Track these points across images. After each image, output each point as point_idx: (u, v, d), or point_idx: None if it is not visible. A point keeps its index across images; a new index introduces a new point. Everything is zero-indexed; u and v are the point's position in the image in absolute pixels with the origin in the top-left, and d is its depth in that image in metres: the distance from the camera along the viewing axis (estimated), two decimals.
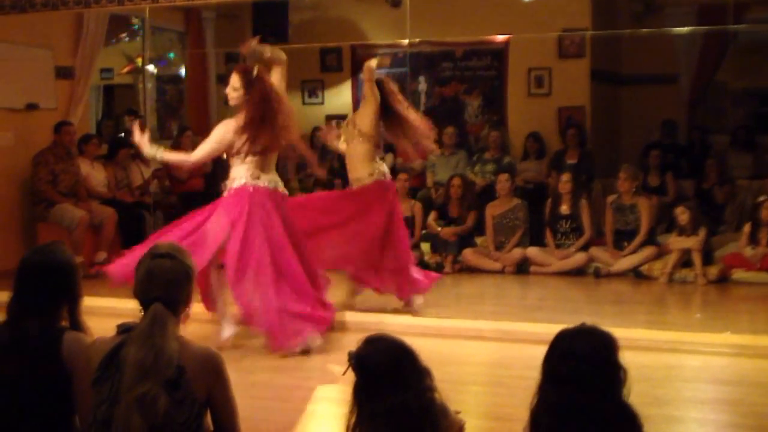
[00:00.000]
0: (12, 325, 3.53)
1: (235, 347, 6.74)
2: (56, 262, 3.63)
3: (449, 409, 3.16)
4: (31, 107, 10.22)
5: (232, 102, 6.73)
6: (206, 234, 6.60)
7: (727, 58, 12.48)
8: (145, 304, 3.26)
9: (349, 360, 3.08)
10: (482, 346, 6.98)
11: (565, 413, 2.89)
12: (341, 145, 8.01)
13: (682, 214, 9.15)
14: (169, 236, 6.47)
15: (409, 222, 10.13)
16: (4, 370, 3.46)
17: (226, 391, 3.28)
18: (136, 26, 12.67)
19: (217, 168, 11.70)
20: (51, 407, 3.46)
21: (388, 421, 2.97)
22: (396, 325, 7.02)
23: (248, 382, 5.80)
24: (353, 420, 3.06)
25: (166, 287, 3.28)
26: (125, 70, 13.39)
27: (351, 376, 3.11)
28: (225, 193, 6.78)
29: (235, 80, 6.70)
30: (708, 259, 9.24)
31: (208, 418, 3.27)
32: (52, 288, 3.58)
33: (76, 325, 3.62)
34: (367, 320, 7.44)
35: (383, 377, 3.01)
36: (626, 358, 2.98)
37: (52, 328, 3.54)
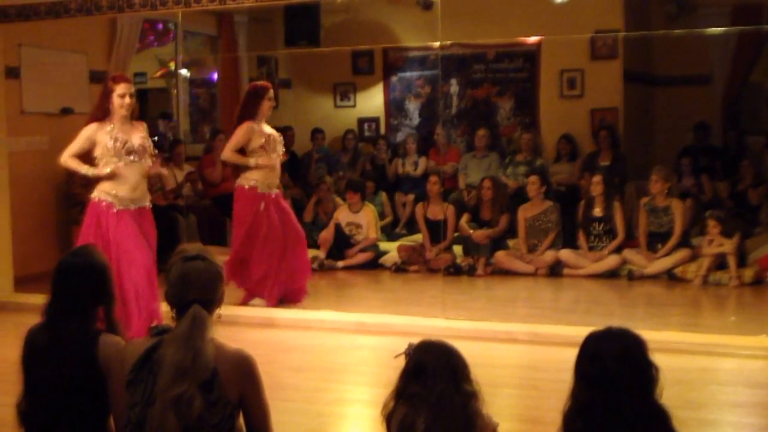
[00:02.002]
0: (51, 327, 3.58)
1: (264, 349, 6.76)
2: (92, 265, 3.67)
3: (484, 413, 3.17)
4: (66, 111, 10.30)
5: (128, 111, 6.85)
6: None
7: (762, 59, 12.39)
8: (179, 307, 3.27)
9: (407, 350, 3.17)
10: (515, 348, 6.96)
11: (599, 415, 2.88)
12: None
13: (714, 228, 9.06)
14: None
15: (442, 224, 10.13)
16: (42, 370, 3.51)
17: (258, 393, 3.29)
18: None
19: None
20: (87, 408, 3.50)
21: (426, 405, 3.01)
22: (428, 327, 7.02)
23: (277, 384, 5.81)
24: (392, 397, 3.11)
25: (201, 289, 3.29)
26: (158, 74, 13.48)
27: (382, 376, 3.13)
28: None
29: (130, 88, 6.90)
30: (743, 262, 9.16)
31: (241, 420, 3.28)
32: (89, 290, 3.62)
33: (112, 326, 3.65)
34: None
35: (433, 370, 3.06)
36: (660, 360, 2.97)
37: (89, 330, 3.58)
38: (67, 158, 6.94)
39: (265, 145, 8.16)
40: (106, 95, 6.84)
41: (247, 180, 8.17)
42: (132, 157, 6.80)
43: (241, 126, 8.11)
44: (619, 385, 2.88)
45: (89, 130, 6.86)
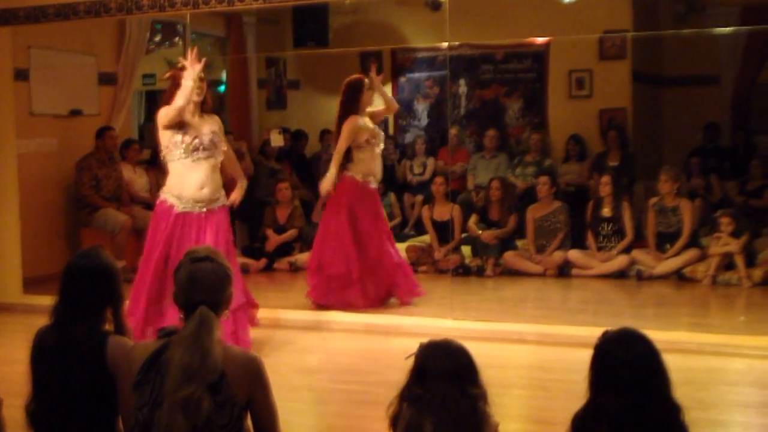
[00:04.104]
0: (59, 328, 3.59)
1: (273, 350, 6.76)
2: (100, 267, 3.68)
3: (489, 414, 3.17)
4: (75, 113, 10.34)
5: (200, 96, 6.52)
6: None
7: None
8: (187, 308, 3.28)
9: (418, 351, 3.15)
10: (523, 349, 6.96)
11: (628, 420, 2.88)
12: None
13: (727, 226, 9.04)
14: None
15: (449, 225, 10.13)
16: (51, 372, 3.52)
17: (266, 395, 3.29)
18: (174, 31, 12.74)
19: (259, 172, 11.78)
20: (95, 409, 3.51)
21: (431, 409, 3.00)
22: (436, 328, 7.01)
23: (287, 385, 5.82)
24: (397, 398, 3.11)
25: (209, 290, 3.30)
26: (167, 75, 13.45)
27: (392, 377, 3.13)
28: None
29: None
30: (752, 262, 9.14)
31: (249, 422, 3.28)
32: (97, 292, 3.63)
33: (120, 328, 3.66)
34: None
35: (436, 373, 3.05)
36: (670, 361, 2.97)
37: (98, 332, 3.58)
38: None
39: (370, 139, 8.16)
40: (177, 84, 6.46)
41: (349, 170, 8.17)
42: (199, 154, 6.37)
43: (347, 122, 8.08)
44: (649, 387, 2.91)
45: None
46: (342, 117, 8.13)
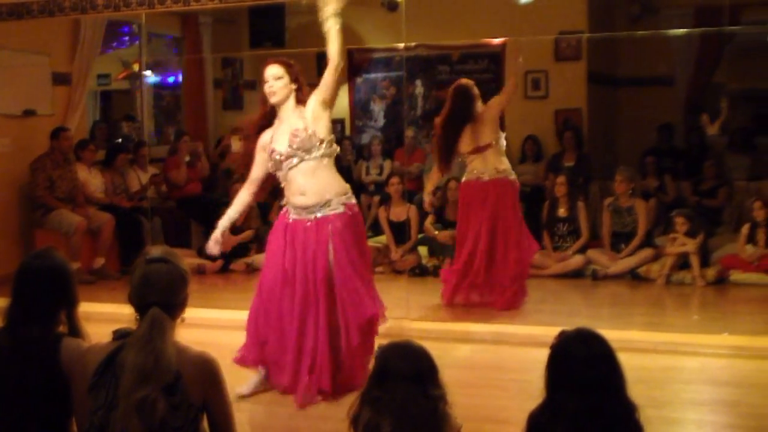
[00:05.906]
0: (12, 330, 3.54)
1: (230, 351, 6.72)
2: (54, 268, 3.64)
3: (451, 415, 3.17)
4: (29, 113, 10.22)
5: (277, 98, 5.74)
6: None
7: (724, 60, 12.49)
8: (141, 310, 3.26)
9: (376, 351, 3.18)
10: (480, 348, 6.98)
11: (585, 418, 2.89)
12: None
13: (682, 225, 9.12)
14: None
15: (405, 225, 10.14)
16: (3, 374, 3.47)
17: (222, 396, 3.28)
18: (129, 34, 12.65)
19: (216, 173, 11.73)
20: (49, 412, 3.48)
21: (389, 410, 3.01)
22: (393, 328, 6.99)
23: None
24: (359, 400, 3.12)
25: (162, 292, 3.27)
26: (122, 75, 13.40)
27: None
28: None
29: (276, 68, 5.93)
30: (706, 261, 9.23)
31: (205, 424, 3.27)
32: (50, 293, 3.59)
33: (75, 330, 3.62)
34: None
35: (396, 374, 3.06)
36: (624, 360, 2.99)
37: (51, 333, 3.55)
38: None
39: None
40: (272, 113, 5.76)
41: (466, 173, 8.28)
42: (292, 161, 5.56)
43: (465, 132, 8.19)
44: (608, 386, 2.94)
45: (258, 146, 5.70)
46: (453, 125, 8.26)
